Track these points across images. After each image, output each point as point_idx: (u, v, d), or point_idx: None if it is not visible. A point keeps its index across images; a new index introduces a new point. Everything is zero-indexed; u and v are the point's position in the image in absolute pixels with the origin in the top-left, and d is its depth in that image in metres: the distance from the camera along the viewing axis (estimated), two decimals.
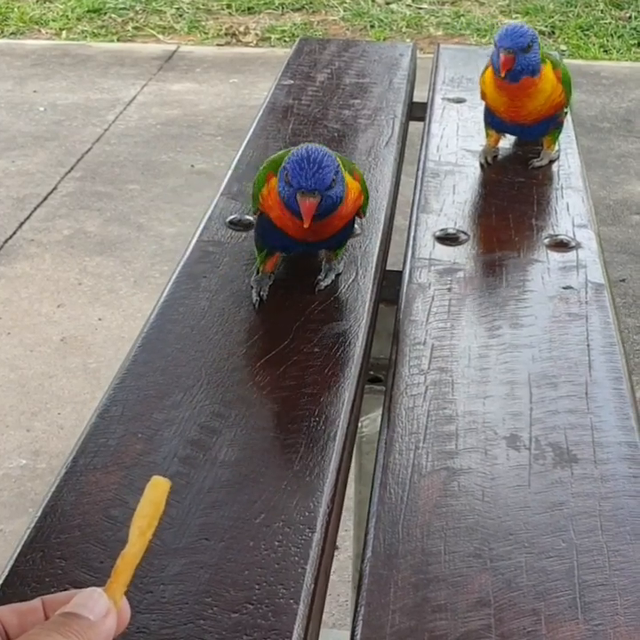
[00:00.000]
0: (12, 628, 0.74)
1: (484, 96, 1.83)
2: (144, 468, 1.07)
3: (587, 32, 6.61)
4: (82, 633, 0.71)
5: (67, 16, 6.93)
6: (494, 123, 1.84)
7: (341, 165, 1.31)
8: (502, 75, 1.68)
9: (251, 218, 1.58)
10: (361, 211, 1.41)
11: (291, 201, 1.29)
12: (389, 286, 1.52)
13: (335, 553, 1.20)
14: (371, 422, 1.66)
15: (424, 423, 1.17)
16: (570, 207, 1.70)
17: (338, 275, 1.45)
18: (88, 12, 6.99)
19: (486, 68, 1.81)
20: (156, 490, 0.78)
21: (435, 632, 0.89)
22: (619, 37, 6.56)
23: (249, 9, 7.14)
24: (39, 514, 1.01)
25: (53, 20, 6.86)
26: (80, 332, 3.54)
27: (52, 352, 3.43)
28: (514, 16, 7.01)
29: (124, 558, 0.75)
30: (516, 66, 1.67)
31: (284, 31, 6.75)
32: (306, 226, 1.27)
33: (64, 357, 3.40)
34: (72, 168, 4.77)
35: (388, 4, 7.17)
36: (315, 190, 1.26)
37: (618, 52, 6.37)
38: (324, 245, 1.43)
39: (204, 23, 6.93)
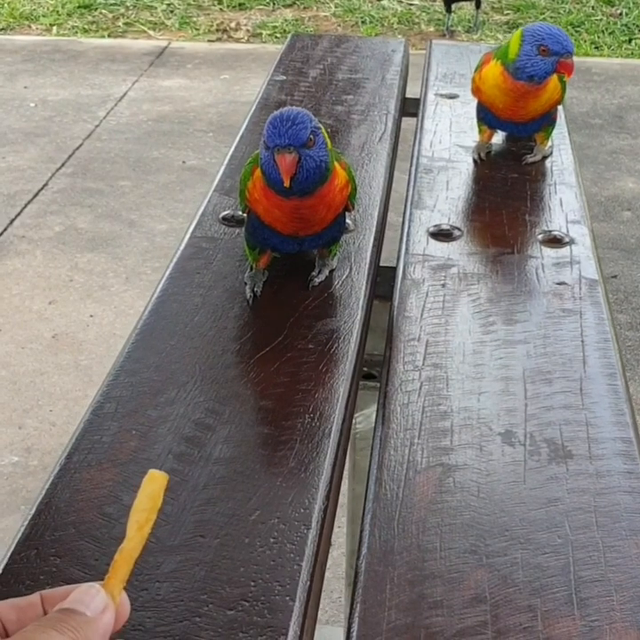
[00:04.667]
0: (10, 623, 0.74)
1: (478, 93, 1.81)
2: (138, 465, 1.06)
3: (578, 28, 6.62)
4: (78, 629, 0.70)
5: (57, 12, 6.91)
6: (488, 119, 1.83)
7: (325, 135, 1.29)
8: (567, 79, 1.67)
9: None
10: (349, 203, 1.39)
11: (269, 166, 1.27)
12: (383, 282, 1.52)
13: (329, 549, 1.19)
14: (365, 419, 1.65)
15: (419, 419, 1.16)
16: (563, 203, 1.69)
17: (331, 271, 1.44)
18: (78, 7, 6.97)
19: (481, 64, 1.79)
20: (154, 483, 0.77)
21: (431, 629, 0.89)
22: (610, 34, 6.57)
23: (240, 5, 7.13)
24: (33, 511, 1.01)
25: (44, 16, 6.84)
26: (72, 328, 3.53)
27: (43, 349, 3.42)
28: (505, 12, 7.01)
29: (122, 553, 0.75)
30: None
31: (275, 27, 6.74)
32: (286, 185, 1.25)
33: (55, 354, 3.39)
34: (63, 164, 4.76)
35: (379, 0, 7.16)
36: (289, 145, 1.24)
37: (609, 48, 6.38)
38: (315, 243, 1.41)
39: (195, 19, 6.92)
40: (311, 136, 1.26)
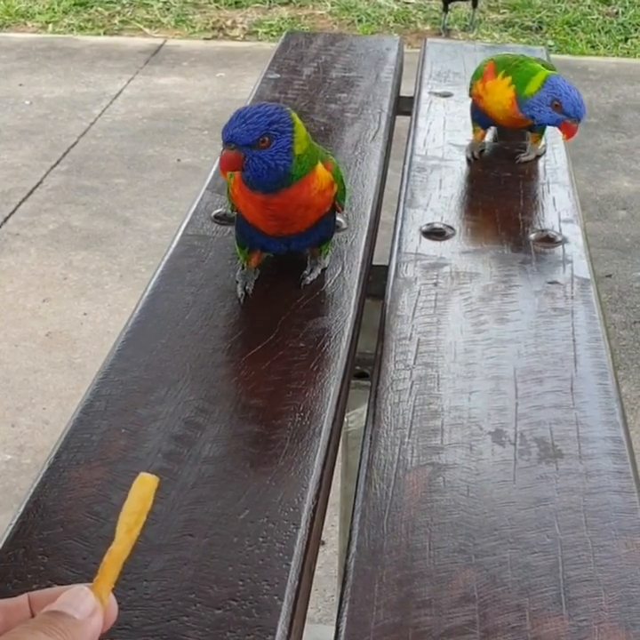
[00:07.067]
0: None
1: (478, 99, 1.80)
2: (128, 464, 1.06)
3: (574, 27, 6.62)
4: (67, 632, 0.70)
5: (53, 9, 6.90)
6: (482, 121, 1.83)
7: (297, 141, 1.25)
8: (565, 140, 1.76)
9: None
10: (337, 203, 1.38)
11: None
12: (375, 281, 1.52)
13: (321, 548, 1.19)
14: (356, 417, 1.65)
15: (409, 418, 1.16)
16: (556, 202, 1.69)
17: (323, 269, 1.44)
18: (74, 5, 6.96)
19: (483, 73, 1.78)
20: (144, 486, 0.77)
21: (419, 628, 0.89)
22: (606, 33, 6.57)
23: (236, 3, 7.13)
24: (21, 510, 1.01)
25: (39, 13, 6.83)
26: (65, 326, 3.53)
27: (37, 347, 3.41)
28: (502, 11, 7.01)
29: (110, 555, 0.74)
30: None
31: (271, 25, 6.73)
32: (222, 174, 1.29)
33: (49, 352, 3.39)
34: (58, 162, 4.75)
35: None
36: (230, 142, 1.23)
37: (605, 47, 6.37)
38: (303, 244, 1.40)
39: (191, 17, 6.91)
40: (265, 137, 1.23)
